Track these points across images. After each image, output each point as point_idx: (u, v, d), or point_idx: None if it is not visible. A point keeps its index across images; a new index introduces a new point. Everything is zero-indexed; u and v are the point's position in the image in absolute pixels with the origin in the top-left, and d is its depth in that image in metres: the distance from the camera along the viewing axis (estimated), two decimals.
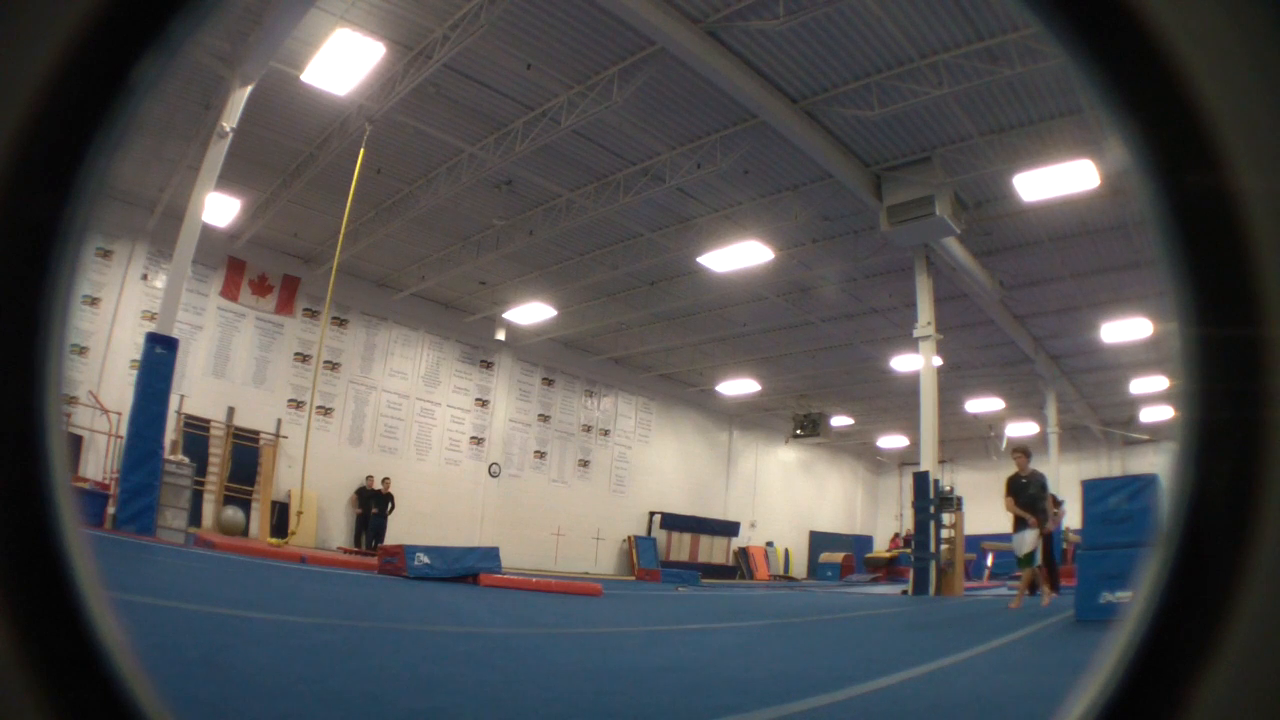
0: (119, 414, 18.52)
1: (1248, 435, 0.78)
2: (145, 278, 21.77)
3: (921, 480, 19.91)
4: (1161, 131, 0.81)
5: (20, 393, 0.79)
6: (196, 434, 22.10)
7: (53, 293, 0.80)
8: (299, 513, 19.23)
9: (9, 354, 0.78)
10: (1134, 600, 0.83)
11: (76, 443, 20.23)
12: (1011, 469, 14.33)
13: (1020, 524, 14.24)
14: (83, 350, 21.00)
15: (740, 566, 37.84)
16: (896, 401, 32.91)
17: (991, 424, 35.59)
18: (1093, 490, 10.86)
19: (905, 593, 20.17)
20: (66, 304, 0.81)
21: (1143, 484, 10.29)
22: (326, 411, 25.58)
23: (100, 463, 19.89)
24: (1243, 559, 0.77)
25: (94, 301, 21.24)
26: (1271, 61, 0.77)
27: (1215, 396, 0.79)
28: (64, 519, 0.79)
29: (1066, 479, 24.31)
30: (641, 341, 30.76)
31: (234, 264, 23.92)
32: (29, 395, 0.79)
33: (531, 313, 27.37)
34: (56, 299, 0.81)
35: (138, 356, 15.31)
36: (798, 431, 37.36)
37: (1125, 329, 24.05)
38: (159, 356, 14.28)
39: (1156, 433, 33.81)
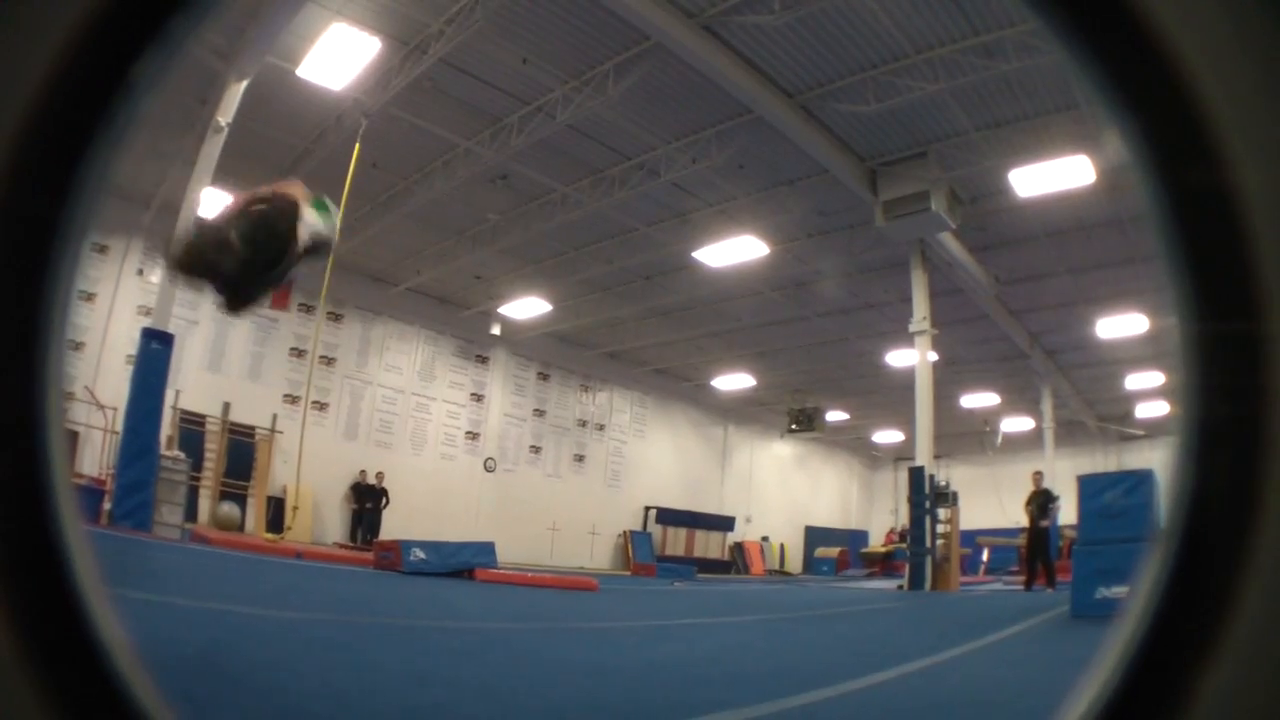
0: (115, 409, 18.44)
1: (1247, 431, 0.78)
2: (141, 273, 21.71)
3: (917, 475, 19.91)
4: (1160, 127, 0.81)
5: (20, 390, 0.78)
6: (192, 429, 22.04)
7: (53, 290, 0.80)
8: (294, 508, 19.24)
9: (9, 351, 0.78)
10: (1134, 597, 0.83)
11: (72, 438, 20.12)
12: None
13: None
14: (78, 345, 20.93)
15: (735, 561, 37.76)
16: (892, 396, 32.76)
17: (987, 419, 35.57)
18: (1089, 486, 10.87)
19: (901, 588, 20.18)
20: (67, 301, 0.81)
21: (1138, 479, 10.31)
22: (322, 406, 25.55)
23: (96, 458, 19.84)
24: (1243, 554, 0.77)
25: (90, 297, 21.17)
26: (1269, 57, 0.77)
27: (1215, 392, 0.79)
28: (64, 516, 0.79)
29: (1062, 474, 24.31)
30: (637, 336, 30.69)
31: None
32: (29, 392, 0.79)
33: (527, 307, 27.39)
34: (57, 296, 0.80)
35: (133, 352, 15.29)
36: (793, 426, 37.27)
37: (1121, 324, 24.02)
38: (155, 352, 14.26)
39: (1152, 428, 33.79)
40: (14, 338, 0.78)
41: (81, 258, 0.83)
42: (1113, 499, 10.17)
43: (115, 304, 21.45)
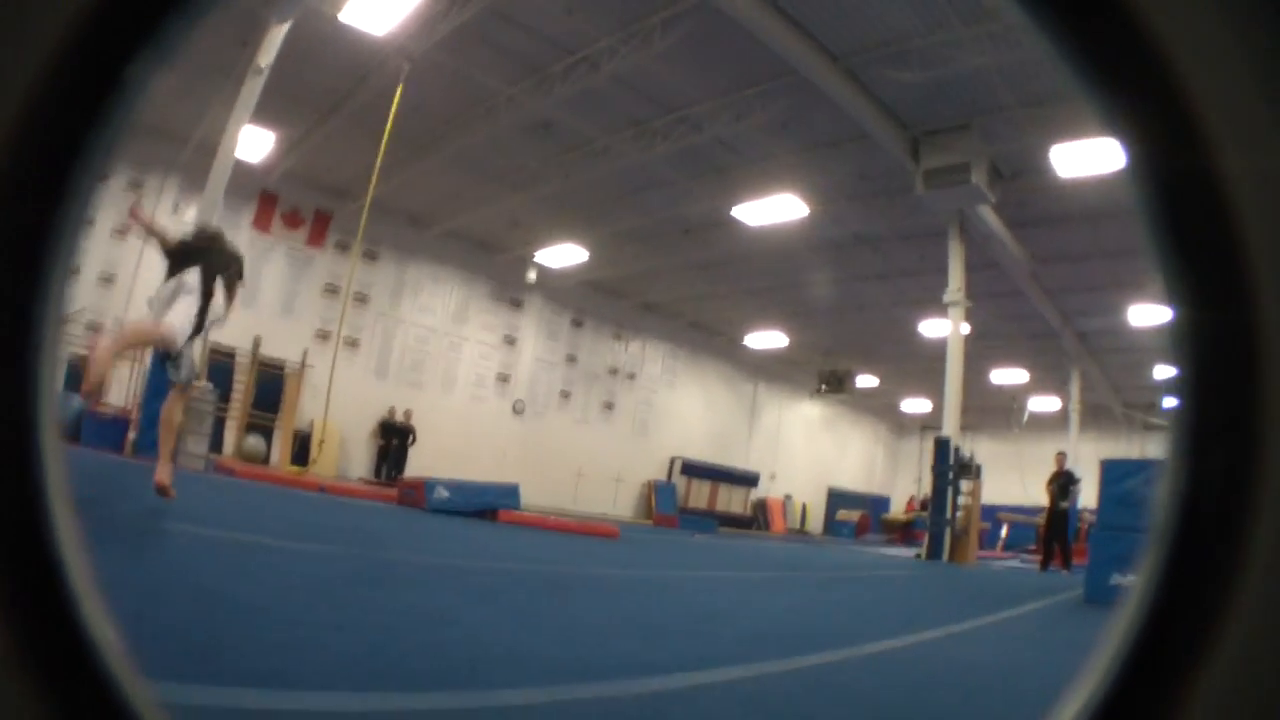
0: None
1: (1241, 423, 0.78)
2: (176, 209, 21.81)
3: (942, 445, 19.86)
4: (1145, 113, 0.81)
5: (13, 394, 0.80)
6: (222, 361, 22.16)
7: (46, 293, 0.81)
8: (320, 442, 19.34)
9: (2, 355, 0.79)
10: (1131, 594, 0.84)
11: None
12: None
13: None
14: (110, 279, 21.12)
15: (757, 518, 37.82)
16: (922, 365, 32.56)
17: (1015, 396, 35.38)
18: (1112, 471, 10.79)
19: (919, 556, 20.16)
20: (59, 305, 0.82)
21: (1161, 469, 10.23)
22: (353, 344, 25.63)
23: (122, 390, 20.07)
24: (1239, 551, 0.77)
25: (122, 233, 21.34)
26: (1255, 39, 0.78)
27: (1208, 384, 0.80)
28: (58, 517, 0.80)
29: (1085, 457, 24.18)
30: (672, 288, 30.67)
31: (266, 197, 23.95)
32: (22, 396, 0.81)
33: (563, 254, 27.37)
34: (50, 299, 0.82)
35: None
36: (822, 387, 37.17)
37: (1153, 314, 23.72)
38: None
39: None
40: (7, 340, 0.79)
41: (74, 259, 0.84)
42: (1134, 486, 10.12)
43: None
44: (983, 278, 21.96)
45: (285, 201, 24.44)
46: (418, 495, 14.40)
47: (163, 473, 6.93)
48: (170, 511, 6.79)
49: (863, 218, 22.10)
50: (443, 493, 14.31)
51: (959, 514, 19.60)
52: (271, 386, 23.69)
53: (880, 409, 44.96)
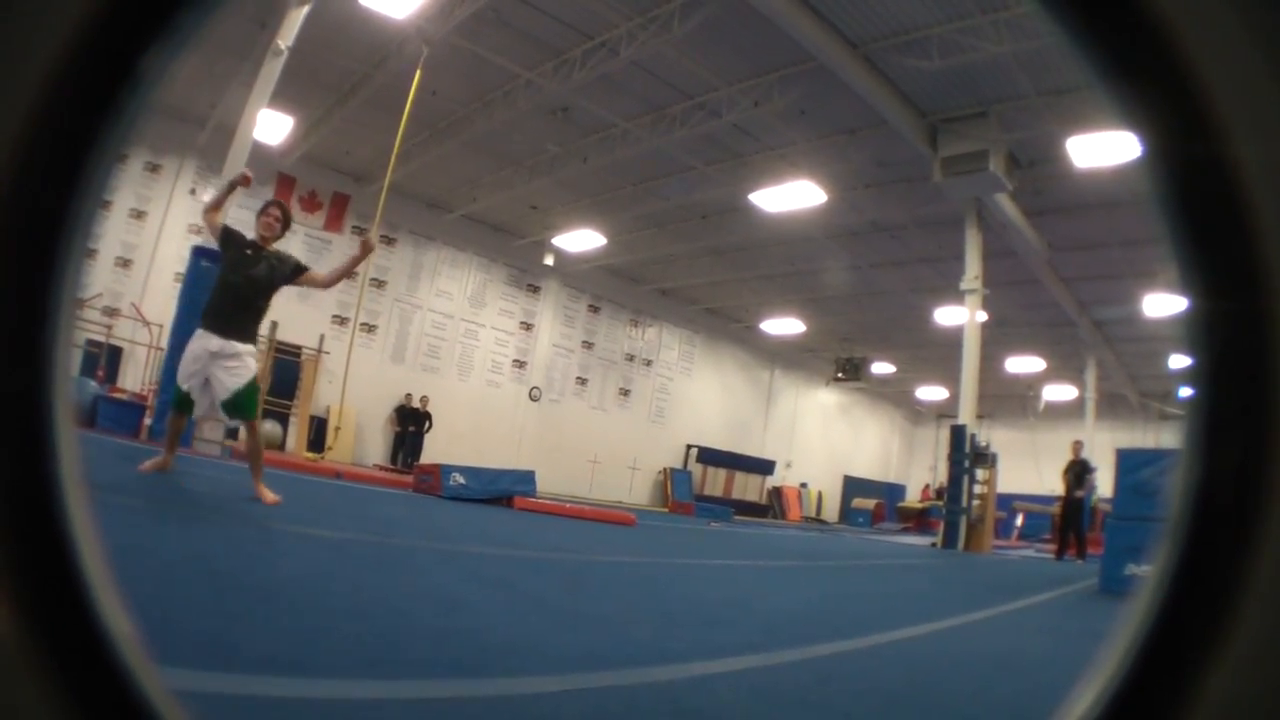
0: (160, 326, 18.69)
1: (1254, 415, 0.78)
2: (193, 192, 21.84)
3: (958, 433, 19.84)
4: (1159, 103, 0.80)
5: (27, 382, 0.80)
6: None
7: (60, 282, 0.81)
8: (337, 428, 19.38)
9: (16, 345, 0.79)
10: (1144, 586, 0.83)
11: (116, 354, 20.49)
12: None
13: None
14: (127, 263, 21.21)
15: (773, 505, 37.79)
16: (938, 353, 32.59)
17: (1031, 384, 35.33)
18: (1127, 460, 10.75)
19: (934, 545, 20.18)
20: (73, 293, 0.82)
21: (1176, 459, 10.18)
22: (370, 329, 25.68)
23: (139, 374, 20.14)
24: (1253, 543, 0.77)
25: (140, 215, 21.40)
26: (1268, 29, 0.77)
27: (1222, 374, 0.79)
28: (72, 506, 0.80)
29: (1101, 446, 24.11)
30: (689, 274, 30.60)
31: (284, 180, 23.88)
32: (35, 385, 0.80)
33: (581, 239, 27.30)
34: (64, 288, 0.81)
35: (182, 270, 15.44)
36: (839, 375, 37.19)
37: (1169, 303, 23.61)
38: (204, 270, 14.29)
39: None
40: (22, 325, 0.79)
41: (90, 244, 0.84)
42: (1149, 476, 10.07)
43: (166, 222, 21.69)
44: (1000, 266, 21.90)
45: (303, 184, 24.41)
46: (434, 481, 14.41)
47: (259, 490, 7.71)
48: (185, 496, 6.82)
49: (880, 205, 22.06)
50: (458, 479, 14.31)
51: (974, 502, 19.60)
52: (288, 372, 23.63)
53: (896, 396, 44.95)
